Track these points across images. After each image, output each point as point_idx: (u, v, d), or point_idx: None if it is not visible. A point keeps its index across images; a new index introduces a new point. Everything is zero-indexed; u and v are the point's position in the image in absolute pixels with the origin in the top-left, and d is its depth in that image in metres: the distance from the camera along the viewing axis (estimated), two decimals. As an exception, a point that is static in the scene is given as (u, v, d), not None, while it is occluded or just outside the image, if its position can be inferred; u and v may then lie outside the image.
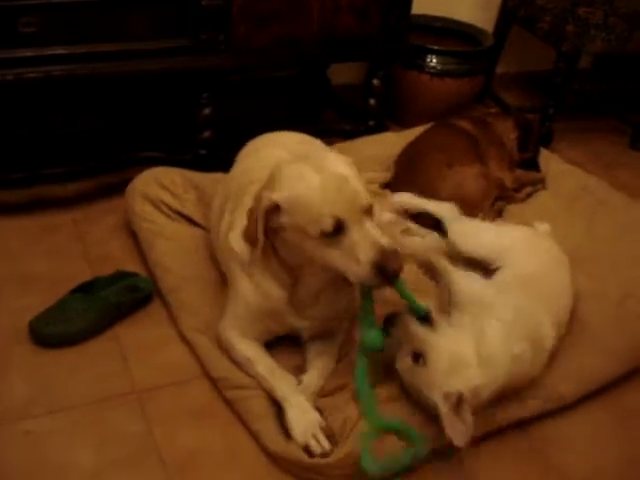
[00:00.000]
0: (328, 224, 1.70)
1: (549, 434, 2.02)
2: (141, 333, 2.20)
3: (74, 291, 2.22)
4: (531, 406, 2.01)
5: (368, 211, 1.75)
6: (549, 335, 2.00)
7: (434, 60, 3.48)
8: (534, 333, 1.96)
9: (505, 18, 3.82)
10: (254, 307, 2.00)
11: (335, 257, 1.75)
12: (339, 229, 1.71)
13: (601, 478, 1.93)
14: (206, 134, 2.84)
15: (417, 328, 1.83)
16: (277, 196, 1.77)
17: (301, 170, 1.77)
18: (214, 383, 2.03)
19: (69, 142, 2.90)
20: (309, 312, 2.00)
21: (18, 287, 2.32)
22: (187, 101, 2.82)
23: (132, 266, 2.43)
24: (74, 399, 1.97)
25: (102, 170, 2.78)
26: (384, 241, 1.71)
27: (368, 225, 1.73)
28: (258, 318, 2.02)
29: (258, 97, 3.34)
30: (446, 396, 1.74)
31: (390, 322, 1.86)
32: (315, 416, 1.85)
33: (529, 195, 2.91)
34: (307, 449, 1.80)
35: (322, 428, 1.83)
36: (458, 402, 1.72)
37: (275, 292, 1.96)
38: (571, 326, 2.21)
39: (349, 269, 1.73)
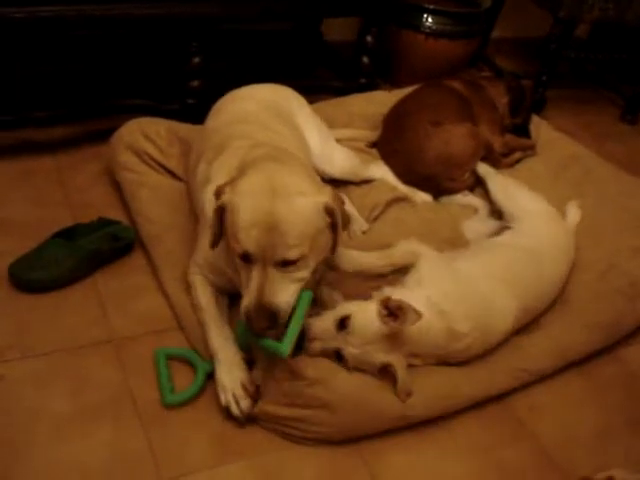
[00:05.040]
0: (239, 249, 1.72)
1: (524, 401, 2.03)
2: (120, 282, 2.19)
3: (54, 237, 2.20)
4: (512, 379, 2.02)
5: (285, 263, 1.71)
6: (506, 320, 2.00)
7: (430, 20, 3.44)
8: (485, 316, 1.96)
9: (504, -19, 3.77)
10: (212, 262, 1.99)
11: (241, 278, 1.78)
12: (247, 260, 1.73)
13: (573, 446, 1.95)
14: (195, 83, 2.80)
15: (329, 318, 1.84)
16: (225, 200, 1.76)
17: (258, 188, 1.72)
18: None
19: (56, 86, 2.86)
20: None
21: (-3, 230, 2.30)
22: (177, 49, 2.77)
23: (114, 214, 2.40)
24: (50, 345, 1.96)
25: (88, 115, 2.74)
26: (267, 299, 1.69)
27: (270, 275, 1.70)
28: (216, 272, 2.01)
29: (251, 49, 3.29)
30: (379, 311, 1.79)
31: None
32: (239, 374, 1.84)
33: (517, 161, 2.91)
34: (227, 411, 1.81)
35: (245, 385, 1.82)
36: (388, 307, 1.78)
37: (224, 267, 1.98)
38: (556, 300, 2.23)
39: (242, 298, 1.75)
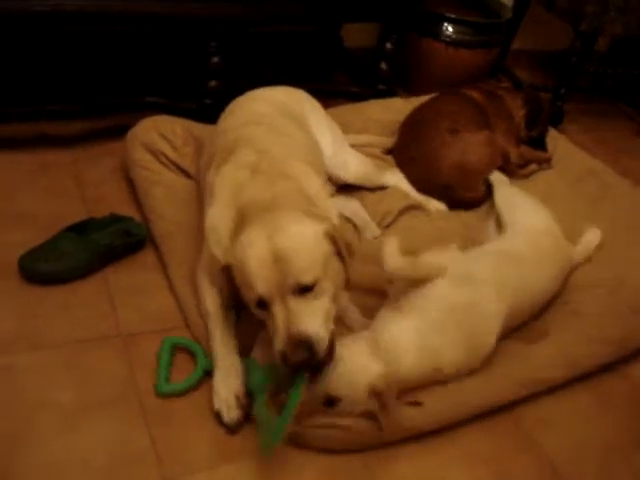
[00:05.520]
0: (254, 297, 1.72)
1: (532, 413, 2.02)
2: (130, 278, 2.19)
3: (66, 230, 2.21)
4: (519, 389, 2.01)
5: (303, 289, 1.69)
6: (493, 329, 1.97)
7: (450, 29, 3.43)
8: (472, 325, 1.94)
9: (525, -7, 3.76)
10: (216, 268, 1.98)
11: (267, 327, 1.75)
12: (263, 305, 1.72)
13: (580, 460, 1.93)
14: (213, 84, 2.81)
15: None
16: (229, 259, 1.79)
17: (255, 237, 1.74)
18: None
19: (75, 80, 2.88)
20: None
21: (11, 222, 2.31)
22: (197, 49, 2.78)
23: (127, 210, 2.41)
24: (58, 337, 1.96)
25: (104, 111, 2.75)
26: (295, 330, 1.65)
27: (291, 306, 1.68)
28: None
29: (270, 51, 3.29)
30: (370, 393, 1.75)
31: None
32: (234, 384, 1.83)
33: (532, 172, 2.90)
34: (218, 416, 1.80)
35: (238, 396, 1.81)
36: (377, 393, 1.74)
37: None
38: (565, 312, 2.23)
39: (274, 344, 1.70)
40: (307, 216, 1.80)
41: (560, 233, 2.32)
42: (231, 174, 1.99)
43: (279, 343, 1.67)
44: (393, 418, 1.76)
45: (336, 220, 2.03)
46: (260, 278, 1.69)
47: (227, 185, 1.97)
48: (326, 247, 1.76)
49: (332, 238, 1.77)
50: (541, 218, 2.34)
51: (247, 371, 1.83)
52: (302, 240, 1.73)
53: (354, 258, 1.87)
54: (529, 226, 2.29)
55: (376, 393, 1.74)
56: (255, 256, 1.71)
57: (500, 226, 2.42)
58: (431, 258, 1.96)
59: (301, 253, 1.71)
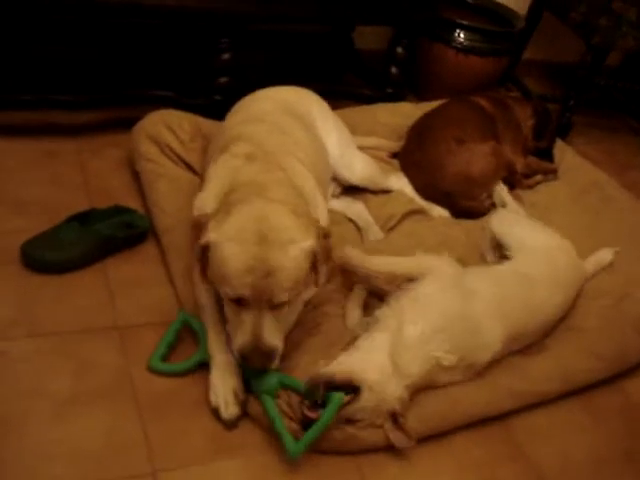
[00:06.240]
0: (232, 294, 1.76)
1: (524, 422, 2.02)
2: (130, 270, 2.19)
3: (69, 220, 2.21)
4: (513, 400, 2.01)
5: (279, 306, 1.77)
6: (492, 347, 1.98)
7: (462, 35, 3.42)
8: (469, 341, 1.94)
9: (539, 3, 3.75)
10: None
11: (229, 317, 1.83)
12: (240, 303, 1.76)
13: (570, 472, 1.93)
14: (222, 80, 2.81)
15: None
16: (211, 238, 1.77)
17: (246, 233, 1.75)
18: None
19: (83, 70, 2.88)
20: None
21: (14, 209, 2.31)
22: (208, 44, 2.78)
23: (130, 202, 2.41)
24: (56, 326, 1.97)
25: (112, 103, 2.75)
26: (263, 340, 1.75)
27: (264, 319, 1.75)
28: None
29: (281, 49, 3.29)
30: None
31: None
32: (232, 381, 1.83)
33: (538, 183, 2.89)
34: (216, 412, 1.81)
35: (236, 392, 1.82)
36: (394, 418, 1.80)
37: None
38: (564, 326, 2.22)
39: (232, 338, 1.81)
40: (295, 215, 1.82)
41: (574, 251, 2.31)
42: (226, 161, 2.00)
43: (243, 345, 1.76)
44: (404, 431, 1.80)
45: (324, 220, 2.06)
46: (245, 283, 1.73)
47: (221, 171, 1.98)
48: (309, 264, 1.81)
49: (314, 254, 1.81)
50: (551, 236, 2.32)
51: (256, 374, 1.83)
52: (295, 259, 1.76)
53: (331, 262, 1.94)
54: (542, 245, 2.27)
55: (392, 414, 1.81)
56: (242, 258, 1.73)
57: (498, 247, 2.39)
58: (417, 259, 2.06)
59: (292, 273, 1.75)
